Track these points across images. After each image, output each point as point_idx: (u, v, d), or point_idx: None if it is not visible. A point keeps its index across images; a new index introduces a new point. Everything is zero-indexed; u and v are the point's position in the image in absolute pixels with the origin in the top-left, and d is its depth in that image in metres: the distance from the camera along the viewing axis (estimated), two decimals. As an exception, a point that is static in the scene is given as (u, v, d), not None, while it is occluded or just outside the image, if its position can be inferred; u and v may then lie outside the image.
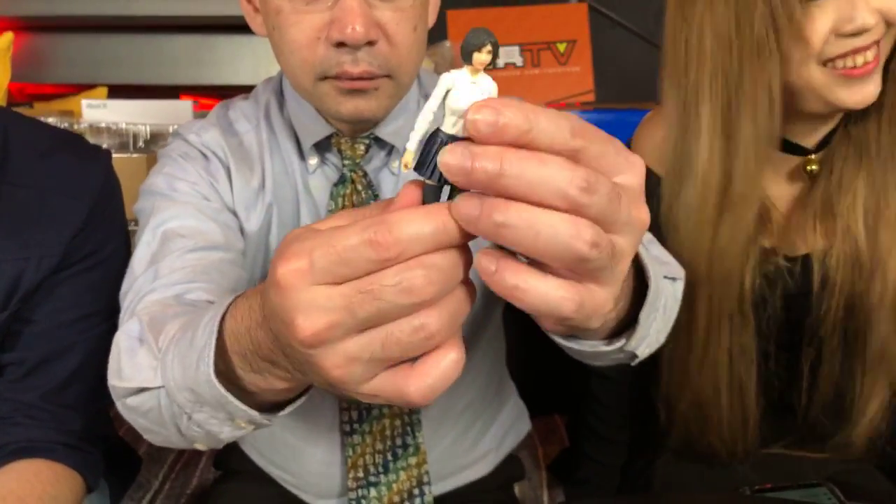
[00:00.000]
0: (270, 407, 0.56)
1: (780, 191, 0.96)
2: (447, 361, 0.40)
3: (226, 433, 0.57)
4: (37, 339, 0.86)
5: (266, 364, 0.50)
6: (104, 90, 1.78)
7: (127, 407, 0.63)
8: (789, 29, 0.83)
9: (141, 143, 1.43)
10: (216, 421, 0.56)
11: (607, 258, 0.37)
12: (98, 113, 1.47)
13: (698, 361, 0.94)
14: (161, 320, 0.63)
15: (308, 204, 0.87)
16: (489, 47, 0.37)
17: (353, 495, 0.90)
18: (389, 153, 0.87)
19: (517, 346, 1.10)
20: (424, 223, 0.37)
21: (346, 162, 0.85)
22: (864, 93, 0.85)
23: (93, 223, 0.89)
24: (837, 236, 0.91)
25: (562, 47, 2.14)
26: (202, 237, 0.77)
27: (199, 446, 0.62)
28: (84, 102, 1.50)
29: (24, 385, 0.86)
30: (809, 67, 0.85)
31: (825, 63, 0.84)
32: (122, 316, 0.71)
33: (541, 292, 0.37)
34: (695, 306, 0.92)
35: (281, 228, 0.87)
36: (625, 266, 0.39)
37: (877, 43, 0.83)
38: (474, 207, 0.36)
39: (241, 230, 0.85)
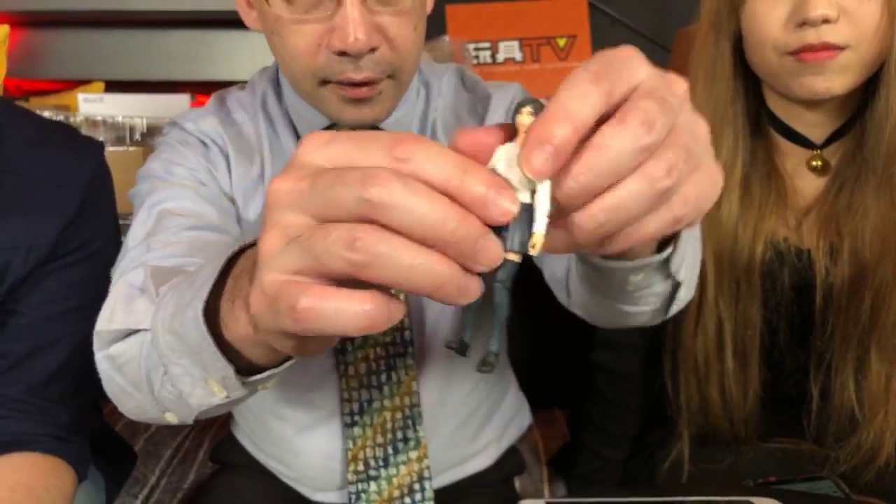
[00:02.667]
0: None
1: (800, 180, 0.96)
2: (353, 305, 0.34)
3: (196, 397, 0.53)
4: (23, 331, 0.85)
5: (243, 283, 0.45)
6: (101, 85, 1.77)
7: (108, 357, 0.61)
8: (745, 10, 0.89)
9: (137, 137, 1.43)
10: (189, 379, 0.52)
11: (687, 160, 0.35)
12: (94, 107, 1.46)
13: (703, 324, 0.95)
14: (167, 273, 0.61)
15: None
16: (529, 108, 0.35)
17: (352, 489, 0.89)
18: None
19: (518, 338, 1.10)
20: (455, 161, 0.33)
21: None
22: (819, 83, 0.86)
23: (83, 215, 0.87)
24: (842, 250, 0.91)
25: (562, 42, 2.13)
26: (199, 218, 0.75)
27: (170, 417, 0.59)
28: (80, 96, 1.50)
29: (9, 378, 0.84)
30: (768, 53, 0.88)
31: (785, 54, 0.86)
32: (115, 281, 0.68)
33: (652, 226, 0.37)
34: (703, 271, 0.93)
35: None
36: (705, 139, 0.38)
37: (836, 48, 0.83)
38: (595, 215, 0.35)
39: (238, 219, 0.84)
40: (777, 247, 0.94)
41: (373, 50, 0.73)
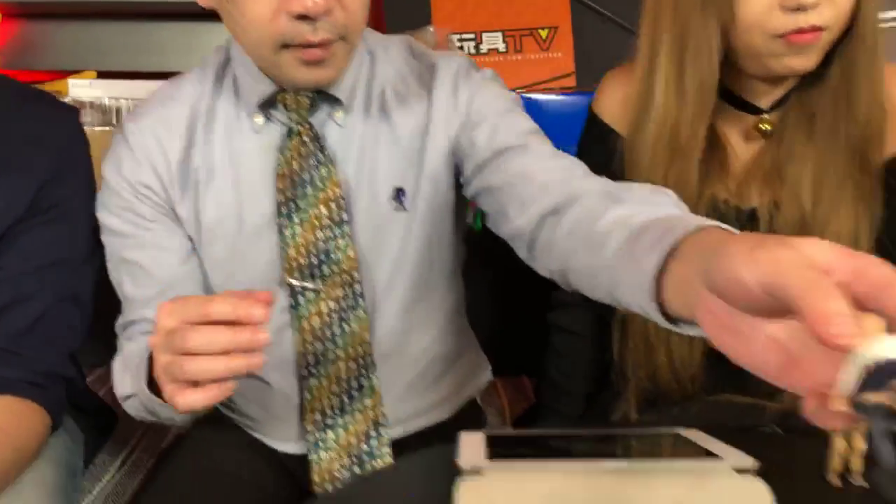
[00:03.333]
0: None
1: (740, 146, 1.00)
2: (195, 397, 0.67)
3: (177, 417, 0.88)
4: (1, 285, 0.89)
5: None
6: (93, 75, 1.82)
7: (129, 407, 0.88)
8: None
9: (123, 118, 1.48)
10: (166, 411, 0.83)
11: None
12: (82, 90, 1.52)
13: None
14: (130, 355, 0.89)
15: (251, 164, 0.91)
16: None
17: (311, 438, 0.93)
18: (333, 105, 0.91)
19: (489, 307, 1.13)
20: (227, 305, 0.64)
21: (292, 115, 0.89)
22: (800, 62, 0.90)
23: (60, 176, 0.92)
24: (784, 201, 0.95)
25: (544, 33, 2.18)
26: (170, 288, 0.92)
27: (179, 419, 0.90)
28: (70, 82, 1.55)
29: None
30: (755, 35, 0.89)
31: (774, 37, 0.88)
32: (119, 338, 0.95)
33: None
34: None
35: (221, 194, 0.91)
36: None
37: (821, 29, 0.86)
38: None
39: (181, 220, 0.93)
40: (718, 208, 0.97)
41: (328, 12, 0.79)
